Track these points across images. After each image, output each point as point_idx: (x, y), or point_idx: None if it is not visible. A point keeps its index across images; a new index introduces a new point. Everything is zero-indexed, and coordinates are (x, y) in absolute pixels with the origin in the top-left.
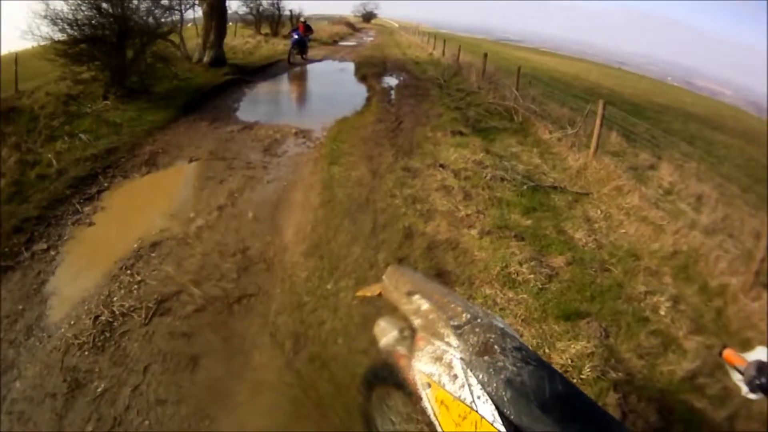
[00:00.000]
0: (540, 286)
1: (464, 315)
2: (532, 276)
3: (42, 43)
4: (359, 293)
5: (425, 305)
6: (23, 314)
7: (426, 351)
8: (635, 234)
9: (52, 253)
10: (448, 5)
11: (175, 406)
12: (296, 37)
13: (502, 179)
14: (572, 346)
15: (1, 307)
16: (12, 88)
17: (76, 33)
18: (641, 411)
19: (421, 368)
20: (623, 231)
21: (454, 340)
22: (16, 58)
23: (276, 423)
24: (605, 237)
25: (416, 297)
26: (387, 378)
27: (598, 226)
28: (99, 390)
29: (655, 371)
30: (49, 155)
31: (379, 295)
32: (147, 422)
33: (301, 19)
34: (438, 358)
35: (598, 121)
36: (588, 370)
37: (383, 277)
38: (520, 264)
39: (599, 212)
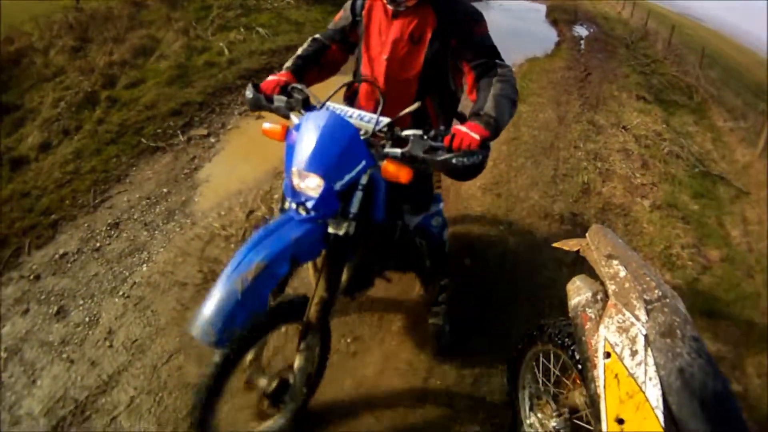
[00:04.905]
0: (695, 276)
1: (656, 291)
2: (690, 263)
3: None
4: (557, 245)
5: (622, 272)
6: (167, 198)
7: (615, 320)
8: None
9: (212, 140)
10: None
11: None
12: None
13: (677, 156)
14: (709, 347)
15: (143, 188)
16: None
17: None
18: None
19: (608, 336)
20: None
21: (643, 315)
22: None
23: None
24: (756, 242)
25: (615, 262)
26: (554, 337)
27: (751, 229)
28: None
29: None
30: (221, 44)
31: (578, 251)
32: None
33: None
34: (625, 330)
35: None
36: None
37: (586, 234)
38: (682, 248)
39: (755, 215)
